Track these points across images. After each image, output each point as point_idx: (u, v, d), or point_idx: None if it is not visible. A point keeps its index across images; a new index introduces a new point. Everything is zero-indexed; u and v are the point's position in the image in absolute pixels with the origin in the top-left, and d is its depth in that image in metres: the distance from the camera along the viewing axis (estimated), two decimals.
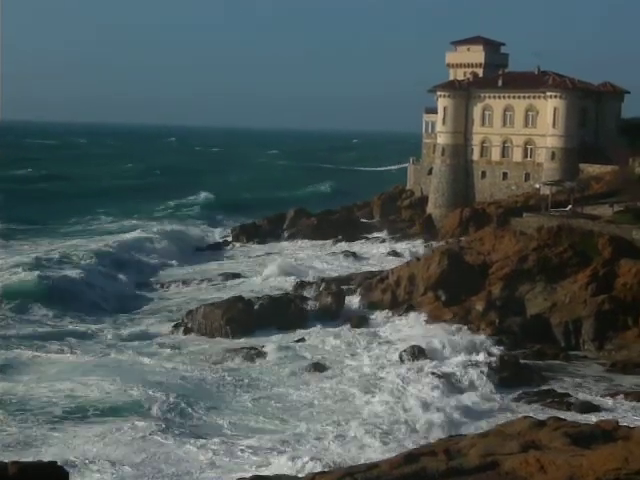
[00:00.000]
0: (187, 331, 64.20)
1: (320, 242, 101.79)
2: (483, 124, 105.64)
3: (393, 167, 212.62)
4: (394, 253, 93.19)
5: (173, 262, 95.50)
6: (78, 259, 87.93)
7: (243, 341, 61.71)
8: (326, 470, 28.50)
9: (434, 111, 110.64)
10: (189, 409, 47.09)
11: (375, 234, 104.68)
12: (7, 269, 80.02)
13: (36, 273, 77.12)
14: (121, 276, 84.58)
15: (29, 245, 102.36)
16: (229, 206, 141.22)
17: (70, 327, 65.62)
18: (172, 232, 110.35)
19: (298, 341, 61.43)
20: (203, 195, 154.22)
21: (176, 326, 65.25)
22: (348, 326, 65.21)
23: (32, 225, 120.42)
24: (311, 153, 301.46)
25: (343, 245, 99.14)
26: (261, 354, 57.92)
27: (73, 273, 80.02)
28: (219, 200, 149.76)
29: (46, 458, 31.12)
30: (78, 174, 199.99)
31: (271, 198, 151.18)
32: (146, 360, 55.99)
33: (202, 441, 42.21)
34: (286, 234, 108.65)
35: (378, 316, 67.39)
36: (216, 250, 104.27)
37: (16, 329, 63.55)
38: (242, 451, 40.95)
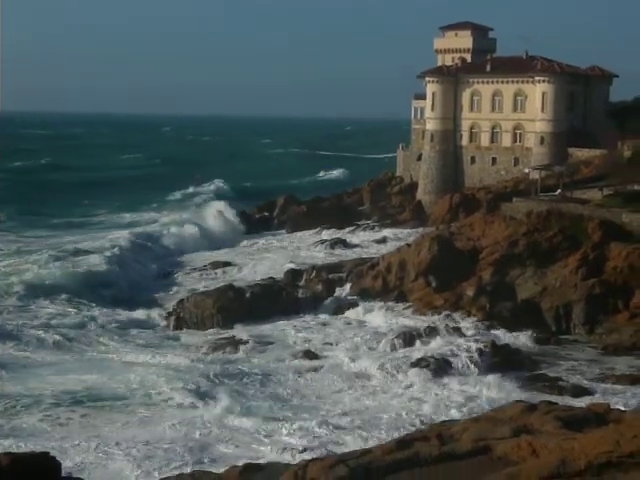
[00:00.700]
0: (178, 320, 64.11)
1: (309, 231, 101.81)
2: (472, 109, 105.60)
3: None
4: (384, 239, 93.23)
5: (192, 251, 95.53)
6: (105, 249, 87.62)
7: (233, 331, 61.67)
8: (318, 457, 28.52)
9: (423, 97, 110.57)
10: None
11: (365, 221, 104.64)
12: (32, 261, 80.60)
13: (58, 264, 78.54)
14: (146, 265, 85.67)
15: (46, 236, 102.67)
16: (244, 194, 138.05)
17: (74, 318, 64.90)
18: (190, 220, 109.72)
19: (291, 329, 61.46)
20: (217, 183, 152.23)
21: (168, 315, 65.22)
22: (338, 314, 65.31)
23: (45, 217, 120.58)
24: (308, 141, 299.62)
25: (333, 232, 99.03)
26: (247, 343, 57.85)
27: (99, 263, 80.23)
28: (234, 189, 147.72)
29: None
30: (83, 164, 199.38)
31: (285, 185, 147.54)
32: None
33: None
34: (276, 222, 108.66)
35: (368, 304, 67.43)
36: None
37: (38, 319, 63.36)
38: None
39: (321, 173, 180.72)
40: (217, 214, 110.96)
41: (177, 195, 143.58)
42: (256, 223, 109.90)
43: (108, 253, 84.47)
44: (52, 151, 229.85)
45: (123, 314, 66.23)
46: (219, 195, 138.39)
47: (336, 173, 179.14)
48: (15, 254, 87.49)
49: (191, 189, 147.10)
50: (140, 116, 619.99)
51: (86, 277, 75.26)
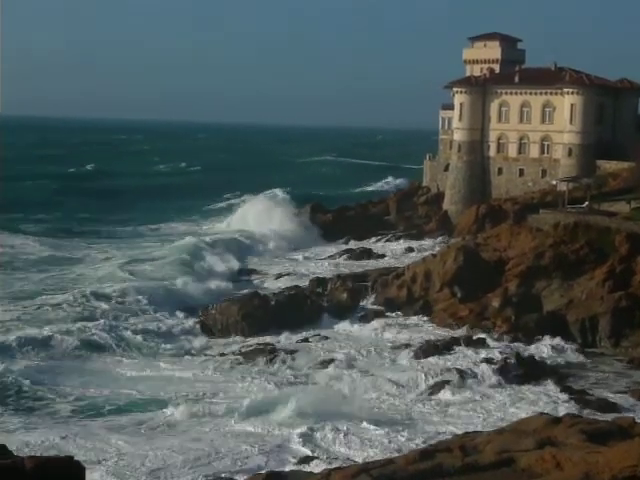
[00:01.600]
0: (204, 327, 64.20)
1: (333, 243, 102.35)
2: (500, 120, 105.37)
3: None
4: (410, 249, 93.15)
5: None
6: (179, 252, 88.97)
7: (258, 339, 61.69)
8: (341, 466, 28.51)
9: (450, 107, 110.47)
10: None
11: (391, 230, 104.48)
12: (108, 270, 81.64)
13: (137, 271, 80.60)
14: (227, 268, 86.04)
15: (114, 243, 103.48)
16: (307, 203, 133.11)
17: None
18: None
19: (313, 337, 61.41)
20: (278, 192, 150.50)
21: (195, 323, 65.45)
22: (363, 323, 65.27)
23: (105, 223, 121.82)
24: (345, 149, 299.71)
25: (358, 242, 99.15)
26: (275, 352, 57.80)
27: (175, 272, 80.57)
28: (295, 197, 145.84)
29: None
30: (128, 171, 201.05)
31: (348, 194, 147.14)
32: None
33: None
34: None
35: (392, 314, 67.36)
36: None
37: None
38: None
39: (383, 181, 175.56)
40: (291, 217, 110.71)
41: (235, 201, 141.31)
42: None
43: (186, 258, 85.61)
44: (95, 157, 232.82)
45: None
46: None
47: (397, 182, 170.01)
48: (89, 261, 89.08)
49: (245, 197, 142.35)
50: (169, 123, 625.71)
51: (167, 289, 74.66)
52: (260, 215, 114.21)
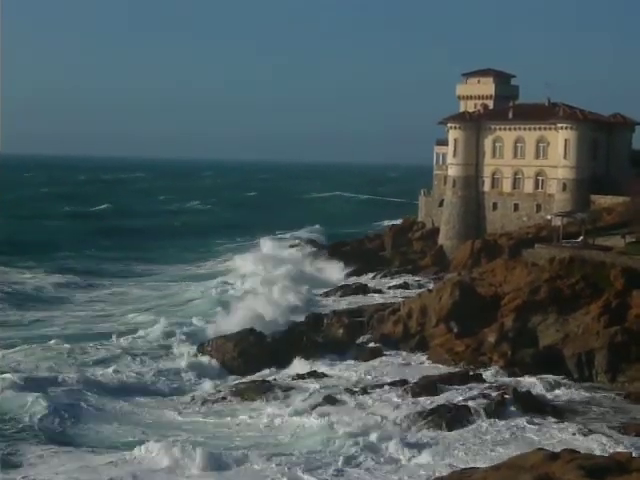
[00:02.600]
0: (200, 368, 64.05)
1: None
2: (494, 156, 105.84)
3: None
4: (405, 285, 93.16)
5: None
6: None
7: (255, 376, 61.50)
8: None
9: (445, 143, 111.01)
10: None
11: (386, 266, 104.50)
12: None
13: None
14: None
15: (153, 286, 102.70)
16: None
17: None
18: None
19: (309, 375, 61.16)
20: (314, 228, 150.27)
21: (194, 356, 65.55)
22: (359, 360, 65.12)
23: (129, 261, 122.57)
24: (359, 186, 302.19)
25: (355, 278, 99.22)
26: (272, 388, 57.58)
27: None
28: (328, 234, 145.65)
29: None
30: (143, 209, 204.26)
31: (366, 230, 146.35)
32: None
33: None
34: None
35: (389, 351, 67.25)
36: None
37: None
38: None
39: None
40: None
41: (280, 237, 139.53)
42: None
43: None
44: (111, 196, 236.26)
45: None
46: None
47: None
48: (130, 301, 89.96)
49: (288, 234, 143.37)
50: (172, 161, 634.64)
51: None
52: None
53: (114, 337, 70.66)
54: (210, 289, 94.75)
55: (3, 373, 57.59)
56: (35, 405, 51.96)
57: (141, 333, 72.54)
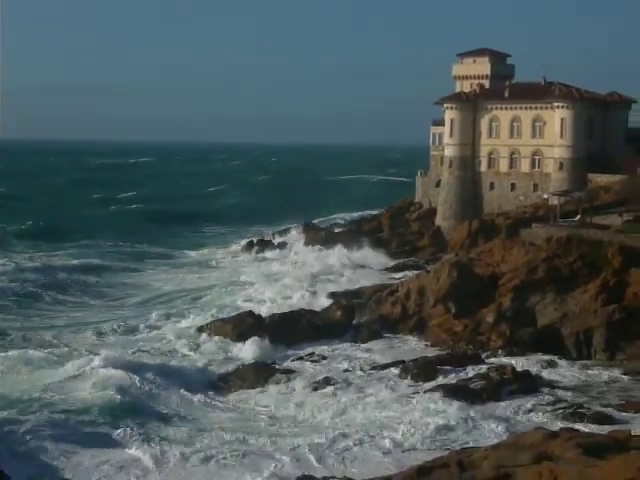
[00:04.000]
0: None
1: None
2: (490, 135, 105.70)
3: None
4: (403, 266, 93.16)
5: None
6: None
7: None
8: None
9: (441, 123, 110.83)
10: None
11: (380, 248, 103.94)
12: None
13: None
14: None
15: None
16: None
17: None
18: None
19: (308, 356, 61.25)
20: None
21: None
22: (357, 342, 65.21)
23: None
24: (368, 167, 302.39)
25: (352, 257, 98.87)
26: (272, 371, 57.62)
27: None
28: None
29: None
30: (172, 194, 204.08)
31: None
32: None
33: None
34: (295, 248, 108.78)
35: (387, 332, 67.34)
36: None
37: None
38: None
39: None
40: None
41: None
42: (275, 247, 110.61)
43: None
44: (134, 181, 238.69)
45: None
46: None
47: None
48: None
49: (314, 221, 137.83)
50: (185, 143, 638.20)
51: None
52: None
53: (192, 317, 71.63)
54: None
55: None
56: None
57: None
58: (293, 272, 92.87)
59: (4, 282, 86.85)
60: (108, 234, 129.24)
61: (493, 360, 58.85)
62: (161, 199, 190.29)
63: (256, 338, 62.84)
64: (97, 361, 56.30)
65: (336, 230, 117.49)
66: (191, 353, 62.53)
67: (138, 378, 53.77)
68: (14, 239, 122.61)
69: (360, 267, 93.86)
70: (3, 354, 59.59)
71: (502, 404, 50.31)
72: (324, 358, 60.71)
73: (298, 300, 76.35)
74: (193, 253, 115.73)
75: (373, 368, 57.75)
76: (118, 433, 45.47)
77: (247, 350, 61.83)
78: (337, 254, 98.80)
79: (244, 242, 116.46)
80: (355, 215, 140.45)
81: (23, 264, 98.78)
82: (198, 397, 52.82)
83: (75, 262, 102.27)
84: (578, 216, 77.82)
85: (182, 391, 53.30)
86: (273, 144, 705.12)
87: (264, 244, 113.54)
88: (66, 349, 62.39)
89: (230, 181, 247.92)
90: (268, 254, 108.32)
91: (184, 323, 70.44)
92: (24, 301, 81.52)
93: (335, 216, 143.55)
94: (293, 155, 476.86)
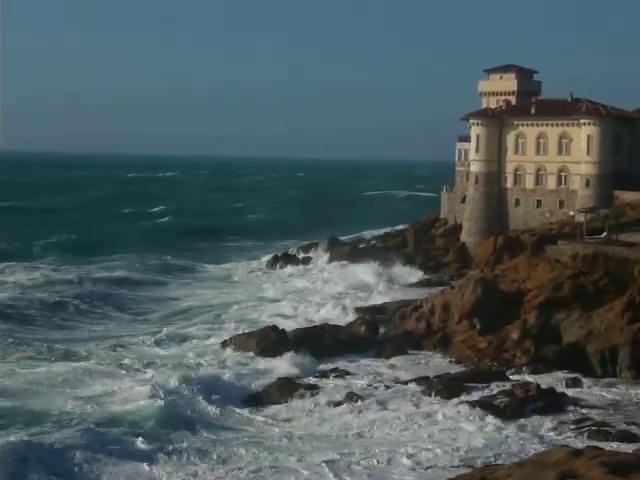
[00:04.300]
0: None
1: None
2: (516, 152, 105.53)
3: None
4: (428, 282, 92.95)
5: None
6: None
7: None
8: None
9: (467, 139, 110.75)
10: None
11: (409, 263, 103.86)
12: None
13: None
14: None
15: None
16: None
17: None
18: None
19: (332, 372, 61.10)
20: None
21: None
22: (381, 357, 65.07)
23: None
24: (394, 183, 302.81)
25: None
26: (296, 387, 57.49)
27: None
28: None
29: None
30: (204, 209, 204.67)
31: None
32: None
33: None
34: (320, 263, 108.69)
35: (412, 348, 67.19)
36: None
37: None
38: None
39: None
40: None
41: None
42: (299, 263, 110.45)
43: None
44: (164, 196, 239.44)
45: None
46: None
47: None
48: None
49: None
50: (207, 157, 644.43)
51: None
52: None
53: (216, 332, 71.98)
54: None
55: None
56: None
57: None
58: (316, 287, 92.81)
59: (32, 294, 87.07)
60: (137, 248, 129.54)
61: (517, 377, 58.61)
62: (188, 213, 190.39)
63: (292, 353, 62.83)
64: (133, 375, 56.47)
65: (361, 246, 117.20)
66: (217, 368, 62.42)
67: (169, 391, 53.83)
68: (44, 251, 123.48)
69: (388, 282, 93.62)
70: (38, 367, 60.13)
71: (526, 421, 50.03)
72: (348, 373, 60.55)
73: (321, 316, 76.21)
74: (217, 267, 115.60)
75: (397, 384, 57.56)
76: (146, 445, 45.53)
77: (282, 365, 61.60)
78: (364, 270, 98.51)
79: (268, 257, 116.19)
80: (382, 232, 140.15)
81: (52, 276, 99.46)
82: (224, 411, 52.77)
83: (104, 275, 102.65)
84: (604, 233, 77.42)
85: (209, 405, 53.21)
86: (298, 159, 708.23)
87: (288, 259, 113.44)
88: (101, 361, 62.76)
89: (257, 196, 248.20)
90: (292, 269, 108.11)
91: (211, 339, 70.28)
92: (53, 312, 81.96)
93: (365, 232, 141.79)
94: (319, 170, 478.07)
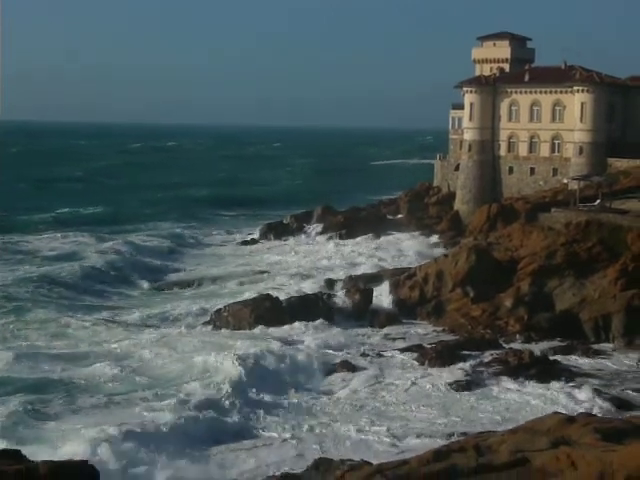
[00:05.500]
0: (216, 328, 64.12)
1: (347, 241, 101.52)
2: (510, 119, 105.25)
3: None
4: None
5: None
6: None
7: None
8: (355, 467, 28.44)
9: (460, 107, 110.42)
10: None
11: (402, 231, 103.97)
12: None
13: None
14: None
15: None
16: None
17: None
18: None
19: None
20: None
21: (205, 324, 65.24)
22: (375, 326, 65.18)
23: None
24: (409, 152, 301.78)
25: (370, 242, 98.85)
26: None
27: None
28: None
29: None
30: (250, 178, 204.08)
31: None
32: None
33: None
34: (313, 232, 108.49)
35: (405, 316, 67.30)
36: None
37: None
38: None
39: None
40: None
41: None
42: (292, 232, 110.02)
43: None
44: (228, 164, 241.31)
45: None
46: None
47: None
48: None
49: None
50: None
51: None
52: None
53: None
54: None
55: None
56: None
57: None
58: (308, 258, 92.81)
59: (66, 268, 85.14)
60: (162, 216, 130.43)
61: (511, 345, 58.81)
62: (195, 184, 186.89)
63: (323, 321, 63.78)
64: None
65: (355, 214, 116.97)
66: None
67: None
68: (79, 221, 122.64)
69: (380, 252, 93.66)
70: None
71: (519, 388, 50.24)
72: (341, 342, 60.69)
73: (314, 286, 76.03)
74: (219, 238, 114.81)
75: (390, 352, 57.70)
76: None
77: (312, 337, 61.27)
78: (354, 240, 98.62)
79: (261, 227, 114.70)
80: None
81: (86, 248, 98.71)
82: None
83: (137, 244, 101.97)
84: (598, 201, 77.47)
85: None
86: (295, 127, 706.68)
87: (283, 229, 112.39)
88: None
89: (269, 166, 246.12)
90: (285, 240, 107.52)
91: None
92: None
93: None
94: (322, 138, 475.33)
